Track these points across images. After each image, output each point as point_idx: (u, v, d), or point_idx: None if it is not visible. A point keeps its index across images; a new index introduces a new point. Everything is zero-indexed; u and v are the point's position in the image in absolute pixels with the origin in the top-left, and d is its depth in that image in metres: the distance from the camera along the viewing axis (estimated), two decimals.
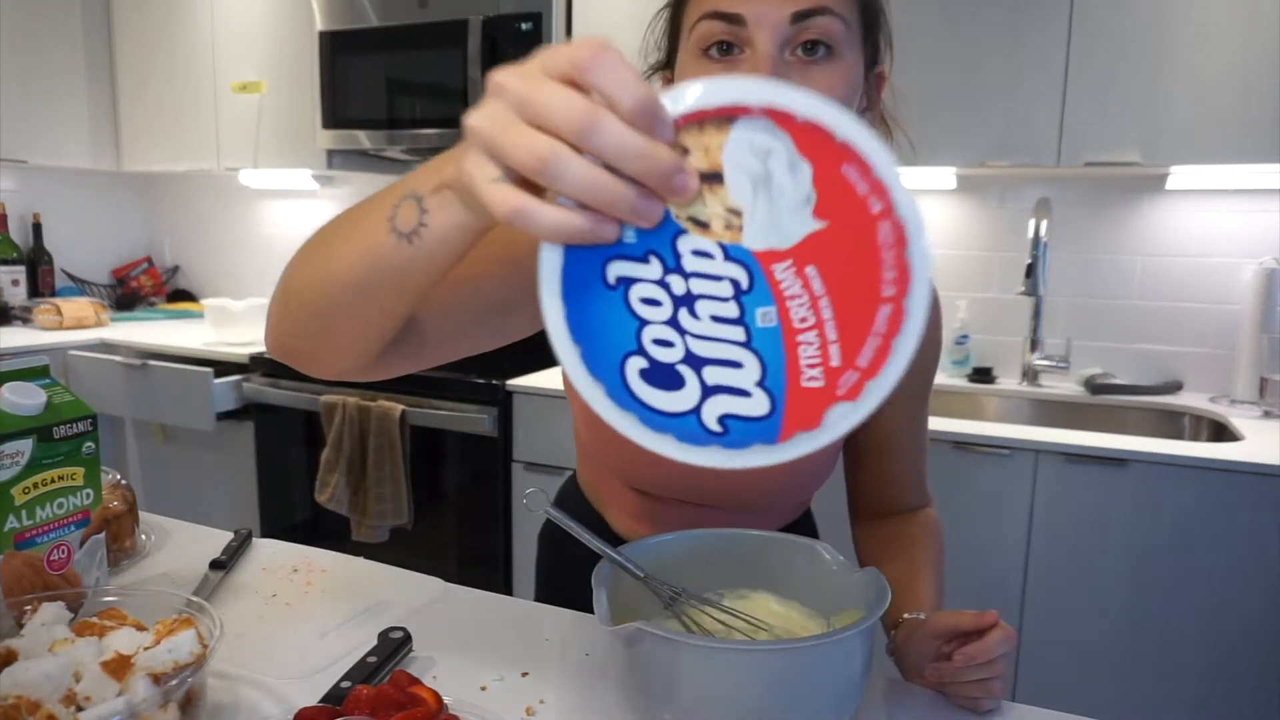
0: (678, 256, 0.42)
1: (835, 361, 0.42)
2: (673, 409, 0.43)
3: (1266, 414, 1.98)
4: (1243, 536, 1.64)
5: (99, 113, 3.15)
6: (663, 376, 0.43)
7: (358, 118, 2.59)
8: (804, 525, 1.06)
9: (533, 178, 0.40)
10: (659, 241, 0.42)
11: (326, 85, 2.62)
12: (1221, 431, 1.96)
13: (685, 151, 0.41)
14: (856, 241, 0.41)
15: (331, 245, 0.58)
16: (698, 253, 0.42)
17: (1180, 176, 2.10)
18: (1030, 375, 2.30)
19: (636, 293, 0.42)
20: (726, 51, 0.69)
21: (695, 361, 0.42)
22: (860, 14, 0.72)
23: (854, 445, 0.96)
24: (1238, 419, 1.94)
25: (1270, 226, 2.10)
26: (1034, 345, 2.27)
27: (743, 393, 0.42)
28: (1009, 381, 2.34)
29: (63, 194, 3.36)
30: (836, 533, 1.09)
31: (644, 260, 0.42)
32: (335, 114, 2.62)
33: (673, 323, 0.42)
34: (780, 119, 0.40)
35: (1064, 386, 2.27)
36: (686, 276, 0.42)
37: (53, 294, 3.22)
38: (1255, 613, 1.65)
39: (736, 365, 0.42)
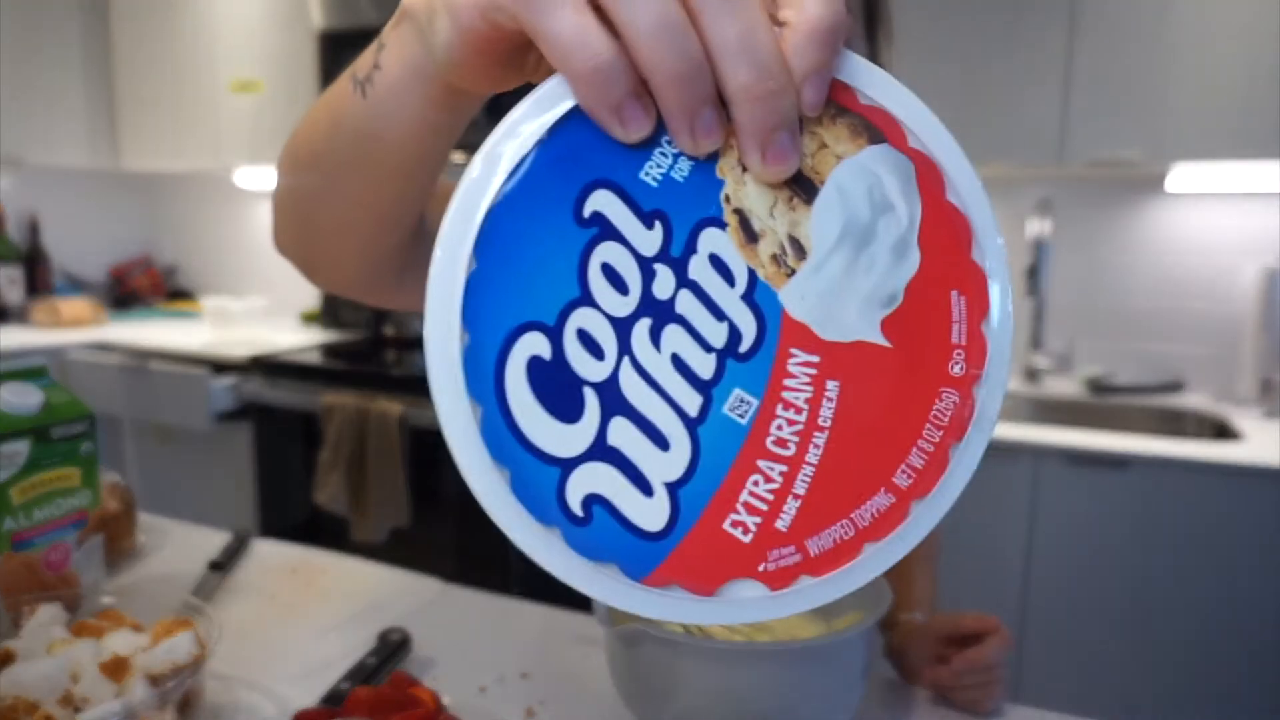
0: (691, 247, 0.27)
1: (781, 524, 0.28)
2: (542, 444, 0.27)
3: (1269, 414, 1.98)
4: (1245, 536, 1.64)
5: (97, 111, 3.14)
6: (558, 389, 0.27)
7: None
8: None
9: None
10: (686, 209, 0.27)
11: (325, 85, 2.61)
12: (1224, 431, 1.96)
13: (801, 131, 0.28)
14: (911, 391, 0.29)
15: (309, 117, 0.50)
16: (716, 260, 0.28)
17: (1182, 178, 2.10)
18: (1031, 375, 2.30)
19: (606, 253, 0.27)
20: None
21: (613, 399, 0.27)
22: (863, 7, 0.71)
23: None
24: (1240, 419, 1.93)
25: (1272, 227, 2.10)
26: (1035, 345, 2.27)
27: (644, 484, 0.27)
28: (1010, 381, 2.33)
29: (60, 193, 3.36)
30: None
31: (648, 222, 0.27)
32: None
33: (622, 325, 0.27)
34: (926, 178, 0.29)
35: (1065, 386, 2.27)
36: (683, 280, 0.27)
37: (50, 293, 3.22)
38: (1257, 613, 1.65)
39: (661, 442, 0.27)
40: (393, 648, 0.77)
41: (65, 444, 0.82)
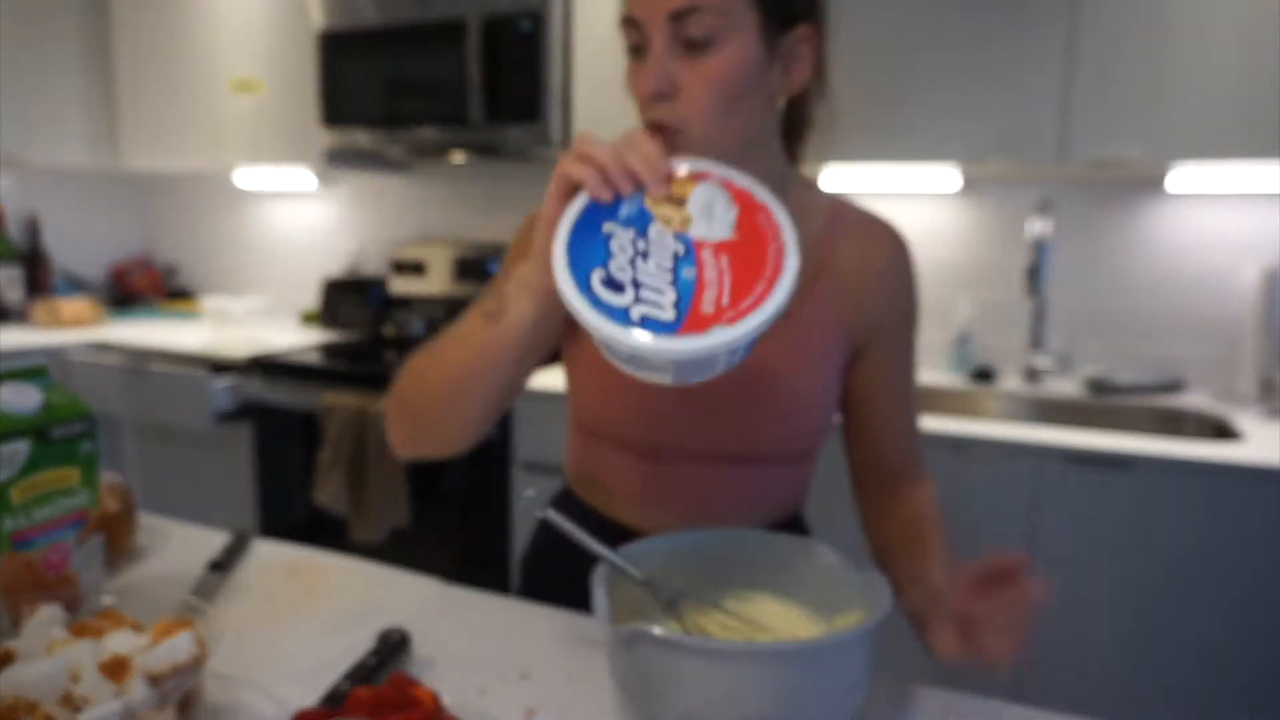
0: (645, 233, 0.67)
1: (725, 303, 0.63)
2: (613, 304, 0.63)
3: (1269, 414, 1.98)
4: (1245, 536, 1.64)
5: (97, 111, 3.14)
6: (613, 285, 0.64)
7: (357, 117, 2.58)
8: (799, 530, 1.05)
9: (582, 148, 0.68)
10: (639, 220, 0.67)
11: (325, 84, 2.61)
12: (1224, 431, 1.96)
13: (670, 187, 0.69)
14: (754, 250, 0.66)
15: (441, 350, 0.80)
16: (659, 233, 0.67)
17: (1182, 178, 2.10)
18: (1031, 375, 2.30)
19: (614, 241, 0.66)
20: (639, 52, 0.80)
21: (636, 284, 0.64)
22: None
23: (847, 398, 0.95)
24: (1240, 419, 1.93)
25: (1272, 227, 2.10)
26: (1035, 345, 2.27)
27: (659, 306, 0.63)
28: (1010, 382, 2.34)
29: (60, 193, 3.36)
30: (835, 533, 1.09)
31: (625, 226, 0.67)
32: (334, 113, 2.62)
33: (630, 262, 0.65)
34: (727, 185, 0.70)
35: (1065, 387, 2.27)
36: (648, 243, 0.66)
37: (50, 293, 3.22)
38: (1257, 613, 1.65)
39: (660, 292, 0.63)
40: (393, 648, 0.77)
41: (65, 444, 0.82)
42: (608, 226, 0.67)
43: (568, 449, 1.02)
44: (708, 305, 0.62)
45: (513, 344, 0.75)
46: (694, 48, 0.77)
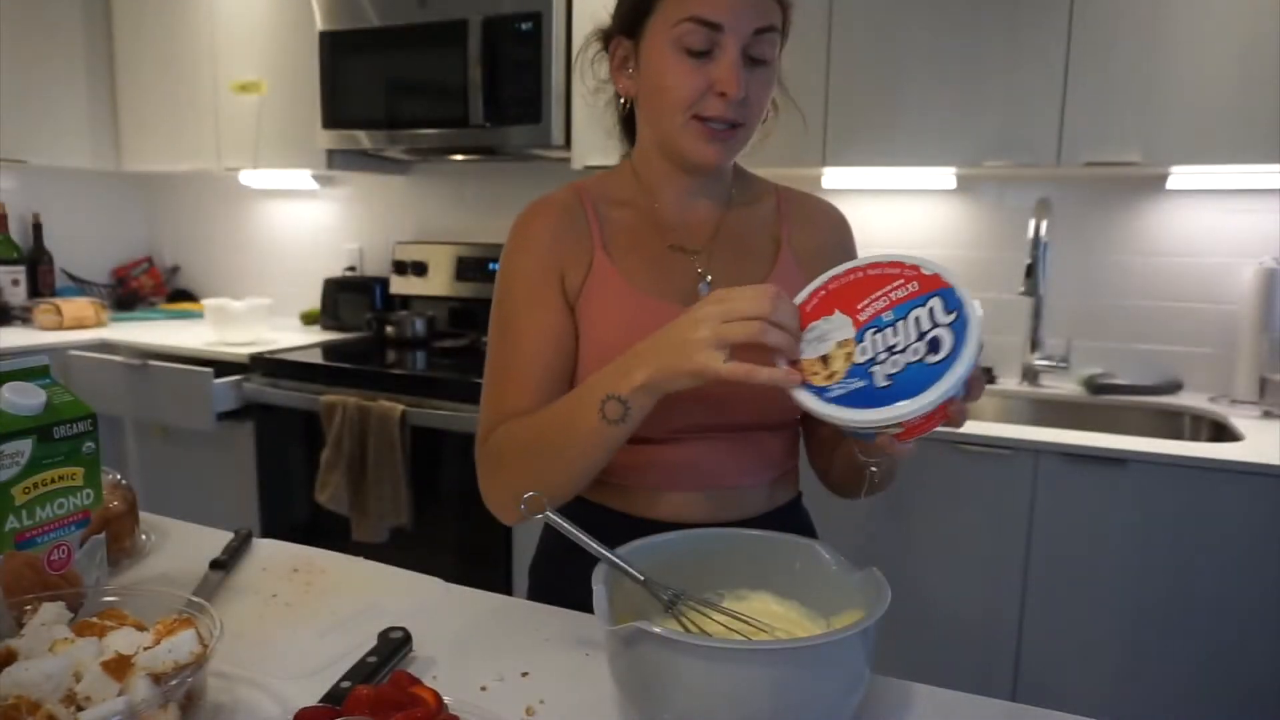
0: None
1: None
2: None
3: (1266, 414, 1.98)
4: (1242, 536, 1.64)
5: (99, 112, 3.15)
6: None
7: (358, 118, 2.59)
8: (800, 515, 1.06)
9: (751, 340, 0.74)
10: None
11: (326, 85, 2.62)
12: (1221, 431, 1.96)
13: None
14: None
15: (552, 439, 0.87)
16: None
17: (1180, 176, 2.10)
18: (1030, 375, 2.30)
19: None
20: (700, 51, 0.88)
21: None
22: (782, 20, 0.92)
23: None
24: (1238, 419, 1.94)
25: (1270, 226, 2.10)
26: (1034, 345, 2.27)
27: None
28: (1009, 381, 2.34)
29: (63, 194, 3.36)
30: (836, 533, 1.09)
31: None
32: (335, 114, 2.62)
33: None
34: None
35: (1064, 386, 2.27)
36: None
37: (53, 294, 3.22)
38: (1255, 612, 1.65)
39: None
40: (393, 647, 0.78)
41: (67, 443, 0.83)
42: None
43: None
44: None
45: (629, 433, 0.83)
46: (755, 59, 0.89)
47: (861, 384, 0.71)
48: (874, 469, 0.86)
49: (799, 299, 0.78)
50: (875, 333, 0.73)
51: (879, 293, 0.75)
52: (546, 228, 0.98)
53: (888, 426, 0.70)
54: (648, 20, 0.92)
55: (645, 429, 0.90)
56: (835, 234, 1.05)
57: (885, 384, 0.70)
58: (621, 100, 1.02)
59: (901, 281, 0.74)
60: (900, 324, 0.72)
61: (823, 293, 0.77)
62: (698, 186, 1.00)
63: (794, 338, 0.75)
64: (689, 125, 0.91)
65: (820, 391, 0.72)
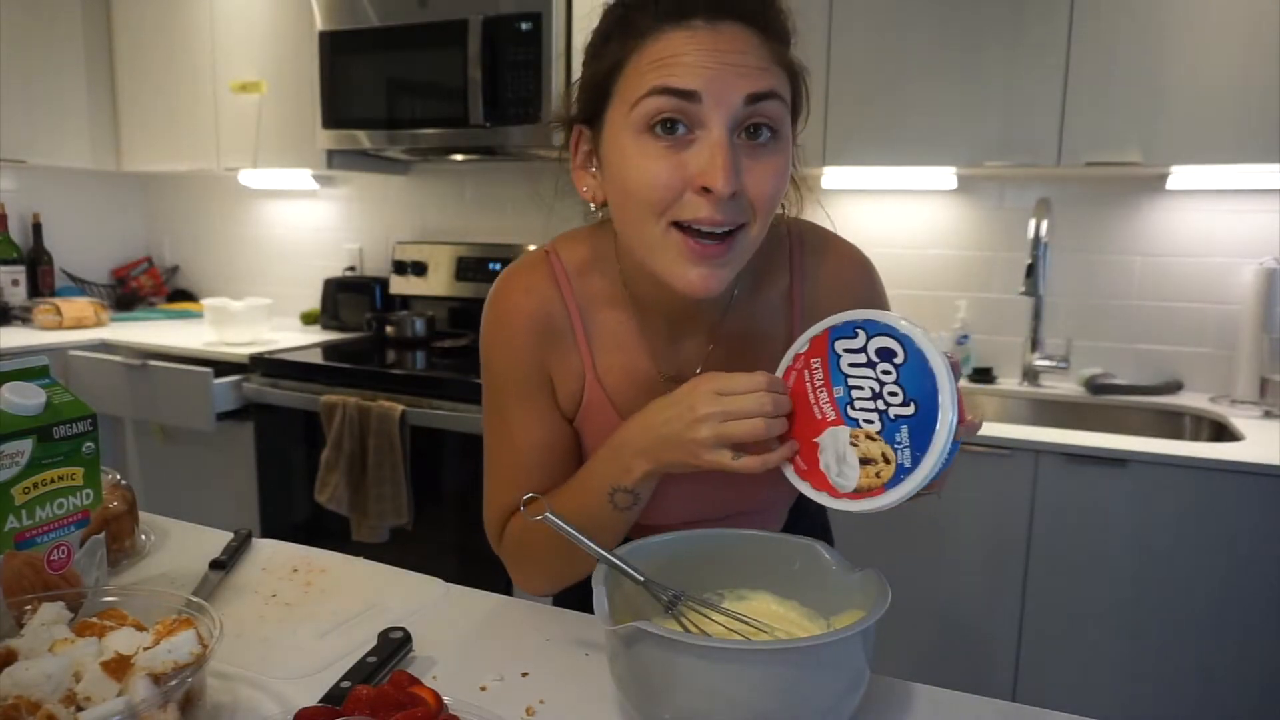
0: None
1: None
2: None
3: (1267, 414, 1.98)
4: (1243, 536, 1.64)
5: (99, 112, 3.15)
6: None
7: (358, 117, 2.59)
8: (809, 503, 1.06)
9: (754, 440, 0.72)
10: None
11: (326, 85, 2.61)
12: (1222, 431, 1.96)
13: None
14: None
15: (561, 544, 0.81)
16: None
17: (1180, 176, 2.10)
18: (1030, 375, 2.30)
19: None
20: (671, 129, 0.70)
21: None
22: (791, 91, 0.75)
23: None
24: (1238, 419, 1.94)
25: (1270, 226, 2.10)
26: (1034, 345, 2.27)
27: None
28: (1009, 381, 2.34)
29: (62, 194, 3.36)
30: (835, 533, 1.09)
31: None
32: (335, 114, 2.62)
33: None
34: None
35: (1064, 386, 2.27)
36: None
37: (52, 294, 3.22)
38: (1255, 613, 1.65)
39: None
40: (393, 647, 0.78)
41: (67, 443, 0.83)
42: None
43: None
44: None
45: (642, 508, 0.83)
46: (755, 139, 0.71)
47: (905, 429, 0.68)
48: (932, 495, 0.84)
49: (789, 475, 0.75)
50: (852, 407, 0.71)
51: (811, 394, 0.73)
52: (529, 333, 0.86)
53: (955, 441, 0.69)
54: (608, 106, 0.74)
55: (655, 519, 0.90)
56: (857, 280, 0.90)
57: (911, 409, 0.68)
58: (592, 208, 0.83)
59: (807, 372, 0.74)
60: (850, 380, 0.71)
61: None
62: (693, 302, 0.79)
63: (789, 422, 0.74)
64: (667, 237, 0.72)
65: (900, 472, 0.68)
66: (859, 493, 0.69)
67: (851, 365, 0.71)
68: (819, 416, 0.73)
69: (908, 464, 0.67)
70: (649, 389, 0.86)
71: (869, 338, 0.70)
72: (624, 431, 0.80)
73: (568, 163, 0.84)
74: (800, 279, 0.88)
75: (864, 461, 0.70)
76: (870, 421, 0.70)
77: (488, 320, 0.89)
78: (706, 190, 0.69)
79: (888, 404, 0.69)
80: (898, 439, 0.68)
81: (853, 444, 0.70)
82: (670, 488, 0.85)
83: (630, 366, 0.87)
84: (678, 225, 0.72)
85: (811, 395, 0.73)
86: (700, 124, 0.69)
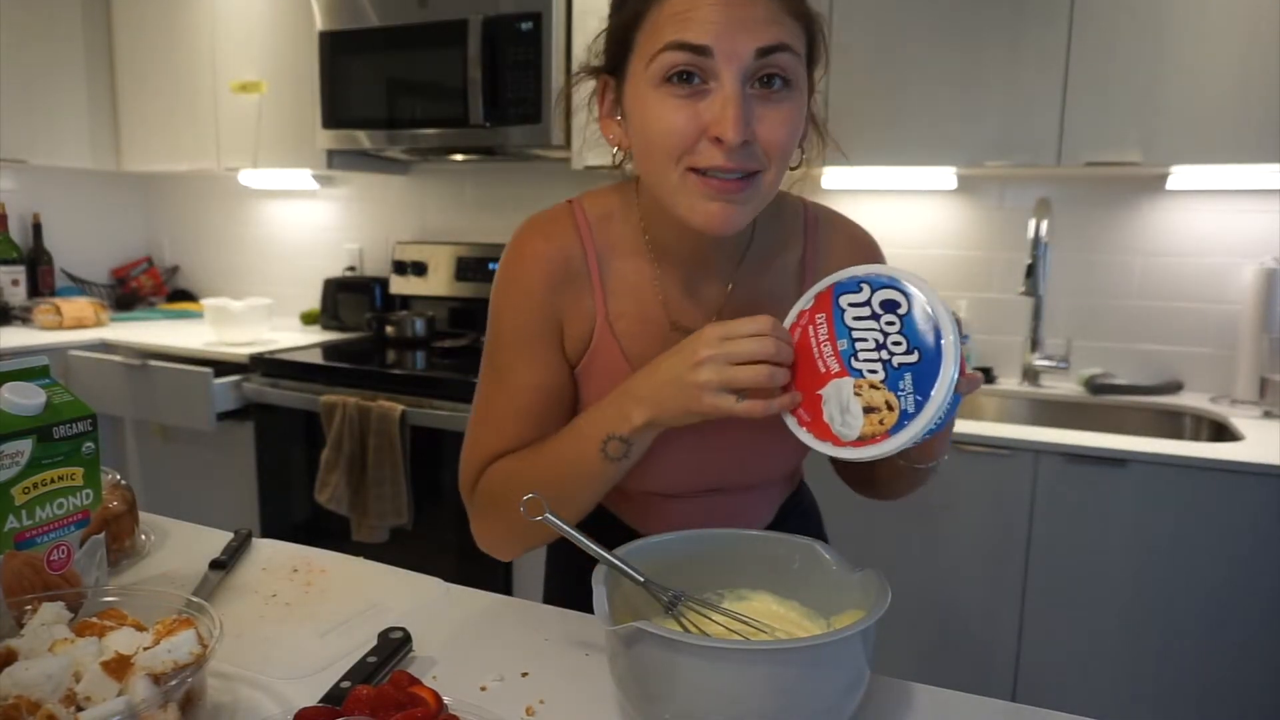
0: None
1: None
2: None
3: (1267, 414, 1.98)
4: (1243, 536, 1.64)
5: (99, 113, 3.15)
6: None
7: (358, 117, 2.59)
8: (804, 498, 1.06)
9: (758, 386, 0.73)
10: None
11: (326, 85, 2.62)
12: (1222, 432, 1.96)
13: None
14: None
15: (548, 473, 0.83)
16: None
17: (1180, 176, 2.10)
18: (1030, 375, 2.30)
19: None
20: (687, 80, 0.73)
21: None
22: (806, 41, 0.78)
23: None
24: (1238, 419, 1.94)
25: (1270, 226, 2.10)
26: (1034, 345, 2.27)
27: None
28: (1009, 381, 2.34)
29: (63, 194, 3.36)
30: (835, 533, 1.10)
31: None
32: (335, 114, 2.62)
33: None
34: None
35: (1064, 386, 2.27)
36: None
37: (52, 294, 3.22)
38: (1256, 613, 1.65)
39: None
40: (393, 647, 0.78)
41: (67, 443, 0.83)
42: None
43: None
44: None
45: (632, 464, 0.82)
46: (769, 88, 0.74)
47: (909, 376, 0.70)
48: (933, 466, 0.85)
49: (792, 426, 0.76)
50: (855, 359, 0.72)
51: (815, 348, 0.75)
52: (545, 276, 0.87)
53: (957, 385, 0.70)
54: (629, 58, 0.78)
55: (653, 485, 0.91)
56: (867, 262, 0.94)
57: (915, 356, 0.69)
58: (615, 151, 0.87)
59: (811, 327, 0.75)
60: (854, 334, 0.73)
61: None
62: (710, 247, 0.86)
63: (792, 375, 0.75)
64: (685, 180, 0.75)
65: (904, 418, 0.69)
66: (863, 440, 0.71)
67: (855, 318, 0.73)
68: (823, 370, 0.74)
69: (911, 409, 0.69)
70: (659, 337, 0.88)
71: (873, 291, 0.72)
72: (628, 381, 0.81)
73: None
74: (814, 250, 0.92)
75: (867, 410, 0.71)
76: (874, 371, 0.71)
77: (504, 263, 0.90)
78: (719, 140, 0.72)
79: (891, 353, 0.70)
80: (901, 386, 0.70)
81: (856, 394, 0.72)
82: (666, 451, 0.85)
83: (642, 314, 0.88)
84: (694, 170, 0.75)
85: (816, 349, 0.74)
86: (714, 75, 0.73)
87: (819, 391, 0.74)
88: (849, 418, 0.72)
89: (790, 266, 0.91)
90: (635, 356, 0.87)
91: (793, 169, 0.84)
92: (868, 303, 0.72)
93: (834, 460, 1.00)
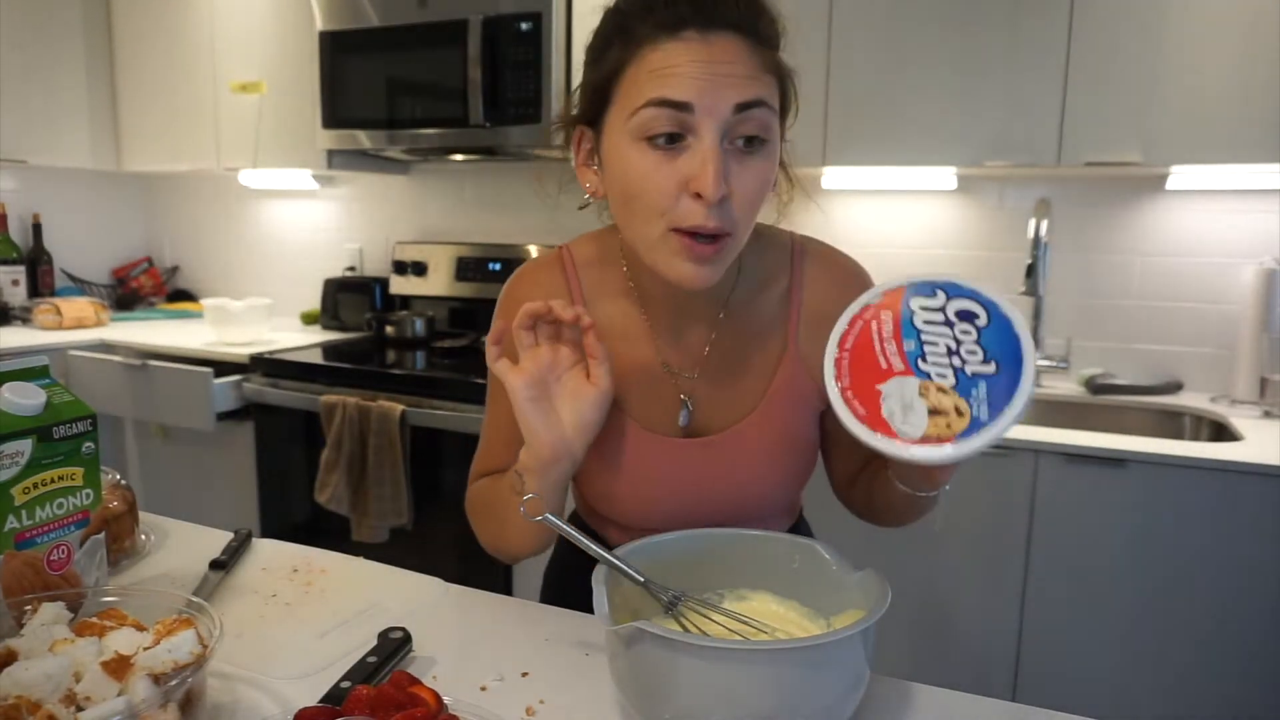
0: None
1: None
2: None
3: (1267, 414, 1.98)
4: (1243, 536, 1.64)
5: (99, 113, 3.15)
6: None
7: (358, 118, 2.59)
8: (799, 530, 1.06)
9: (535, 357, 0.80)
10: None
11: (326, 85, 2.62)
12: (1222, 432, 1.96)
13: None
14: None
15: (498, 515, 0.92)
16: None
17: (1180, 176, 2.10)
18: None
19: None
20: (669, 139, 0.75)
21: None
22: (780, 94, 0.79)
23: (824, 424, 0.95)
24: (1238, 419, 1.94)
25: (1270, 226, 2.10)
26: (1034, 345, 2.27)
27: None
28: None
29: (63, 194, 3.36)
30: (835, 533, 1.09)
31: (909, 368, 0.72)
32: (335, 114, 2.62)
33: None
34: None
35: (1064, 386, 2.27)
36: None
37: (52, 294, 3.22)
38: (1256, 612, 1.65)
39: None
40: (393, 647, 0.78)
41: (67, 443, 0.83)
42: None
43: (575, 497, 1.03)
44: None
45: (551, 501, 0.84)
46: (749, 145, 0.76)
47: (984, 386, 0.68)
48: (935, 495, 0.83)
49: (844, 417, 0.72)
50: (923, 360, 0.70)
51: (876, 344, 0.72)
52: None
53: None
54: (607, 110, 0.79)
55: (646, 524, 0.90)
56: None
57: (992, 368, 0.68)
58: (586, 199, 0.88)
59: (875, 323, 0.73)
60: (924, 336, 0.70)
61: (850, 393, 0.72)
62: (694, 292, 0.84)
63: (851, 371, 0.73)
64: (666, 240, 0.77)
65: (975, 425, 0.67)
66: (925, 440, 0.68)
67: (927, 322, 0.71)
68: (884, 366, 0.71)
69: (984, 418, 0.67)
70: (648, 377, 0.90)
71: (949, 298, 0.71)
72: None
73: (570, 160, 0.88)
74: (799, 283, 0.92)
75: (933, 412, 0.69)
76: (944, 375, 0.69)
77: (497, 306, 0.95)
78: (698, 195, 0.74)
79: (965, 360, 0.69)
80: (974, 394, 0.68)
81: (922, 395, 0.69)
82: (654, 492, 0.88)
83: (631, 355, 0.90)
84: (676, 230, 0.76)
85: (878, 345, 0.72)
86: (693, 131, 0.74)
87: (878, 387, 0.71)
88: (912, 416, 0.69)
89: (777, 300, 0.92)
90: (623, 394, 0.88)
91: (782, 198, 0.87)
92: (942, 309, 0.71)
93: (841, 490, 1.00)
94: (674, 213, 0.75)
